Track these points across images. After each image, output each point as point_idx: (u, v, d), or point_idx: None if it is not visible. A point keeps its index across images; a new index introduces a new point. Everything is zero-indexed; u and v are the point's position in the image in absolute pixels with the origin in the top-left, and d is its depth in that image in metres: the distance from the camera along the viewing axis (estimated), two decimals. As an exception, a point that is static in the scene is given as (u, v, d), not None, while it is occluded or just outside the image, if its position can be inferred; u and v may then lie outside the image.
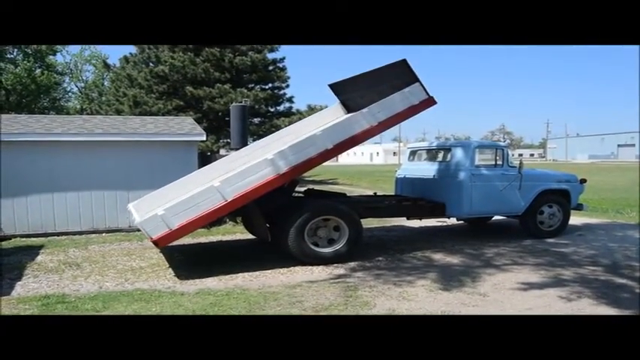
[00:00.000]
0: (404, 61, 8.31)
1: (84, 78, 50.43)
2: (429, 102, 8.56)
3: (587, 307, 5.66)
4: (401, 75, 8.48)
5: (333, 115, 10.24)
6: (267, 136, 10.27)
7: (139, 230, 8.86)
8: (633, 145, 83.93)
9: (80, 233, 10.74)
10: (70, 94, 50.42)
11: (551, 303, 5.83)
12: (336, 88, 10.31)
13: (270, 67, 25.59)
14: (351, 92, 9.98)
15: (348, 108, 10.12)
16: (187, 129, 12.06)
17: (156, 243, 6.84)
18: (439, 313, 5.48)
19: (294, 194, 9.57)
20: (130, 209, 8.54)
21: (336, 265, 7.71)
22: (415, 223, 11.30)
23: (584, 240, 9.73)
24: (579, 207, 10.43)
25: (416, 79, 8.40)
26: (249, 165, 7.72)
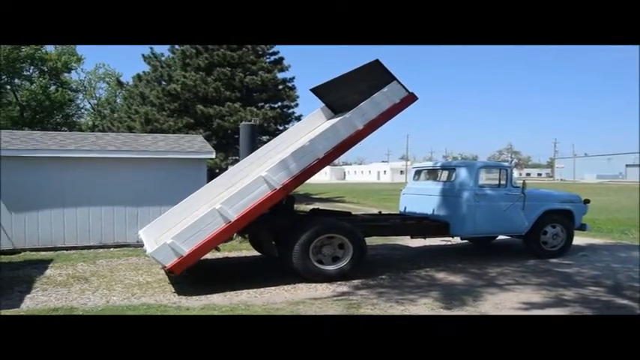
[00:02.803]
0: (377, 61, 8.28)
1: (97, 95, 51.35)
2: (410, 98, 8.52)
3: (587, 327, 5.73)
4: (377, 75, 8.46)
5: (320, 118, 10.30)
6: (263, 146, 10.26)
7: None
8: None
9: (89, 248, 10.92)
10: (82, 110, 51.42)
11: (550, 322, 5.90)
12: (319, 91, 10.29)
13: (280, 87, 25.97)
14: (334, 94, 10.00)
15: (334, 110, 10.21)
16: (197, 147, 12.28)
17: (171, 271, 6.96)
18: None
19: (299, 212, 9.71)
20: (140, 236, 8.70)
21: (339, 282, 7.80)
22: (419, 242, 11.34)
23: (587, 260, 9.77)
24: (583, 227, 10.48)
25: (392, 78, 8.38)
26: (246, 184, 7.76)
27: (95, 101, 51.07)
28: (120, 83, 36.17)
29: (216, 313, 6.17)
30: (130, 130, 24.58)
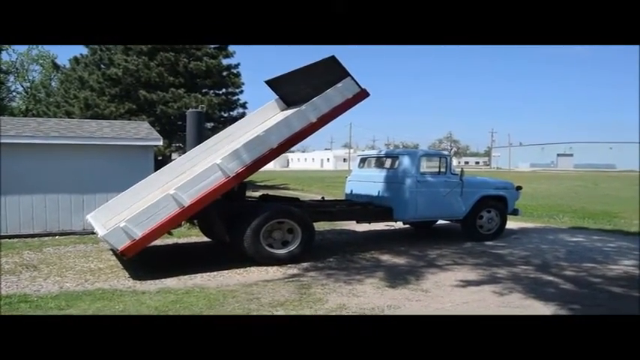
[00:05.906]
0: (333, 57, 8.54)
1: (30, 78, 48.95)
2: (362, 94, 8.84)
3: (517, 300, 6.29)
4: (332, 71, 8.73)
5: (273, 110, 10.49)
6: (214, 136, 10.41)
7: (93, 233, 9.00)
8: (571, 154, 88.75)
9: (33, 236, 10.71)
10: (14, 93, 48.89)
11: (485, 297, 6.44)
12: (273, 84, 10.47)
13: (225, 73, 25.81)
14: (288, 87, 10.20)
15: (288, 103, 10.45)
16: (144, 134, 12.21)
17: (123, 254, 7.04)
18: (438, 313, 5.88)
19: (250, 199, 9.93)
20: (89, 220, 8.68)
21: (290, 265, 8.12)
22: (364, 227, 11.83)
23: (519, 242, 10.52)
24: (515, 212, 11.24)
25: (347, 74, 8.66)
26: (200, 170, 7.91)
27: (28, 84, 48.77)
28: (55, 66, 34.83)
29: (171, 295, 6.35)
30: (69, 115, 23.83)
